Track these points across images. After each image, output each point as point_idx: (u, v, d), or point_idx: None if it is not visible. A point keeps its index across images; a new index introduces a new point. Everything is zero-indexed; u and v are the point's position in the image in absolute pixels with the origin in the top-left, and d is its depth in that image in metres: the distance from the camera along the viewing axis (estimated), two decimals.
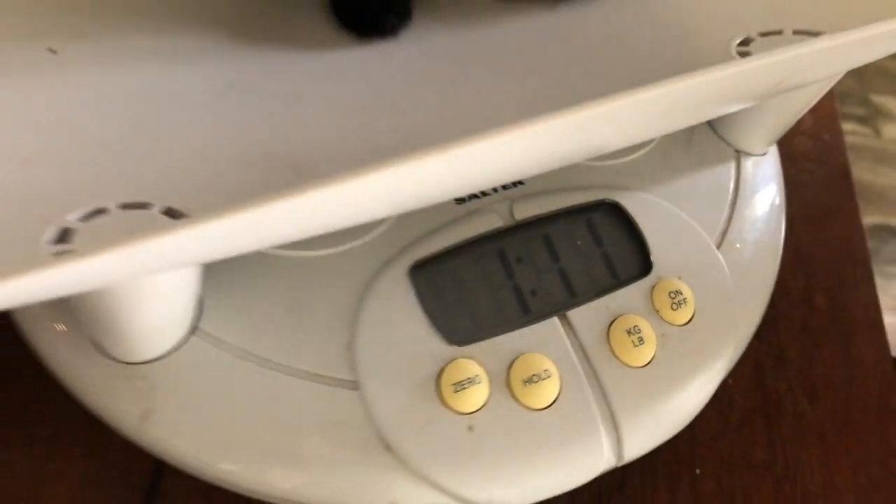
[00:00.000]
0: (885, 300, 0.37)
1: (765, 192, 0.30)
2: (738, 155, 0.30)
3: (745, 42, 0.27)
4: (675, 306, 0.26)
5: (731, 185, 0.29)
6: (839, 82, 0.30)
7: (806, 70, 0.22)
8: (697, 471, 0.29)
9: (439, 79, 0.27)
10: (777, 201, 0.30)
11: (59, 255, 0.19)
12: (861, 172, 1.44)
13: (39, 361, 0.25)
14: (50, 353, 0.24)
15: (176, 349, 0.22)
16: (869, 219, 1.38)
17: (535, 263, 0.25)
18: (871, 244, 1.11)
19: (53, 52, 0.25)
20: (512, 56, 0.28)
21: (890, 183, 1.47)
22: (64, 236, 0.20)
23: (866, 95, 1.56)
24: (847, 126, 1.52)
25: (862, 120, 1.53)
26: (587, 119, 0.17)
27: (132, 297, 0.20)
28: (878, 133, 1.51)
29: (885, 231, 1.41)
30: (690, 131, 0.31)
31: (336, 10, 0.28)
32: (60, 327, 0.24)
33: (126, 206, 0.21)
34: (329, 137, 0.24)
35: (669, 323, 0.25)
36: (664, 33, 0.28)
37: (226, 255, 0.19)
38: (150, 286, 0.20)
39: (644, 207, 0.27)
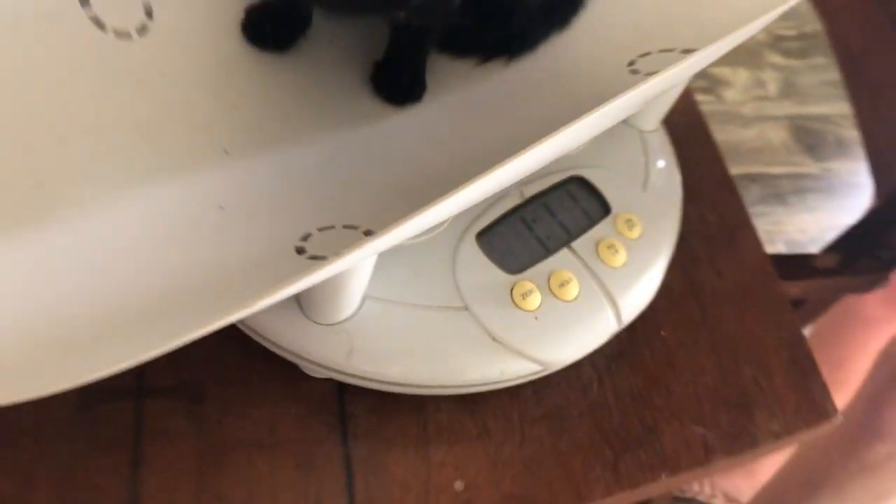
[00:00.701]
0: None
1: (662, 152, 0.47)
2: (641, 133, 0.48)
3: (632, 63, 0.44)
4: (629, 228, 0.42)
5: (642, 151, 0.47)
6: None
7: (675, 79, 0.39)
8: (662, 333, 0.46)
9: (454, 123, 0.43)
10: (671, 157, 0.48)
11: (312, 260, 0.34)
12: (714, 133, 1.69)
13: (258, 340, 0.39)
14: (272, 331, 0.38)
15: (359, 309, 0.37)
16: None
17: (544, 220, 0.42)
18: None
19: (227, 152, 0.39)
20: (491, 101, 0.44)
21: (739, 138, 1.73)
22: (301, 250, 0.34)
23: (705, 69, 1.80)
24: (696, 97, 1.77)
25: (705, 90, 1.78)
26: (561, 138, 0.32)
27: (342, 282, 0.35)
28: (720, 99, 1.77)
29: (744, 178, 1.65)
30: None
31: (379, 91, 0.43)
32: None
33: (321, 229, 0.36)
34: (412, 170, 0.40)
35: (630, 238, 0.42)
36: (582, 70, 0.45)
37: (393, 245, 0.34)
38: (352, 273, 0.35)
39: (596, 174, 0.44)
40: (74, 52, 0.39)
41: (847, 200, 1.59)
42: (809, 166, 1.70)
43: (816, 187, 1.66)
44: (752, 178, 1.66)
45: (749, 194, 1.61)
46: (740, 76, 1.85)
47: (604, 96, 0.32)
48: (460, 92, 0.44)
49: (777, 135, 1.75)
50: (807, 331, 0.88)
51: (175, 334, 0.27)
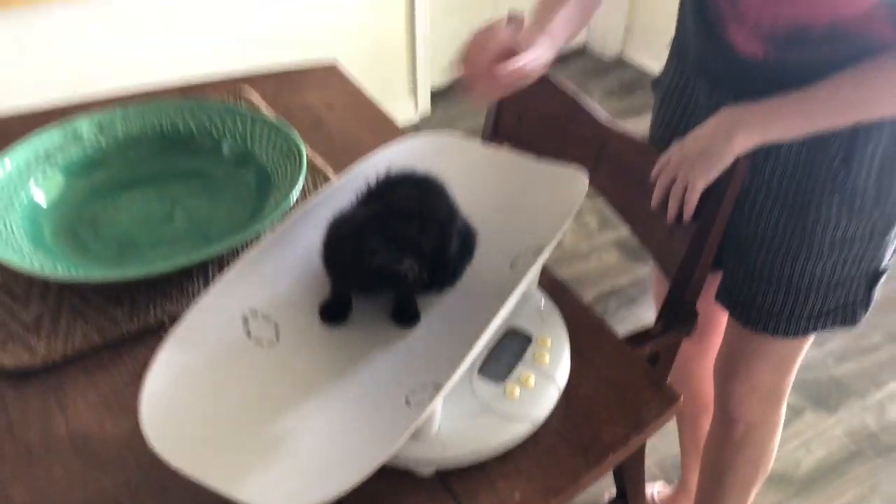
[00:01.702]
0: (621, 331, 0.97)
1: (542, 300, 0.90)
2: (530, 296, 0.90)
3: (512, 264, 0.87)
4: (545, 343, 0.83)
5: (534, 305, 0.89)
6: None
7: (537, 268, 0.82)
8: (580, 390, 0.86)
9: (440, 326, 0.84)
10: (549, 301, 0.90)
11: (416, 406, 0.72)
12: (566, 270, 2.19)
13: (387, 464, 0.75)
14: (402, 456, 0.74)
15: (440, 425, 0.75)
16: (588, 294, 2.11)
17: (504, 355, 0.82)
18: (599, 307, 1.83)
19: (341, 376, 0.77)
20: (452, 310, 0.85)
21: (586, 269, 2.22)
22: (409, 404, 0.73)
23: None
24: None
25: None
26: (499, 319, 0.73)
27: (434, 413, 0.73)
28: (560, 246, 2.28)
29: (603, 296, 2.14)
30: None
31: (398, 324, 0.83)
32: None
33: (411, 391, 0.74)
34: (433, 353, 0.80)
35: (547, 348, 0.83)
36: (490, 277, 0.87)
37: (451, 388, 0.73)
38: (436, 406, 0.73)
39: (518, 323, 0.85)
40: (254, 359, 0.77)
41: None
42: (643, 270, 2.21)
43: None
44: (608, 294, 2.14)
45: (609, 306, 2.09)
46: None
47: (508, 287, 0.74)
48: (435, 310, 0.85)
49: (610, 256, 2.27)
50: (671, 375, 1.31)
51: (367, 468, 0.64)
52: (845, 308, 1.06)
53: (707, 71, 1.03)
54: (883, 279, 1.05)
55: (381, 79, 2.78)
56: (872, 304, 1.07)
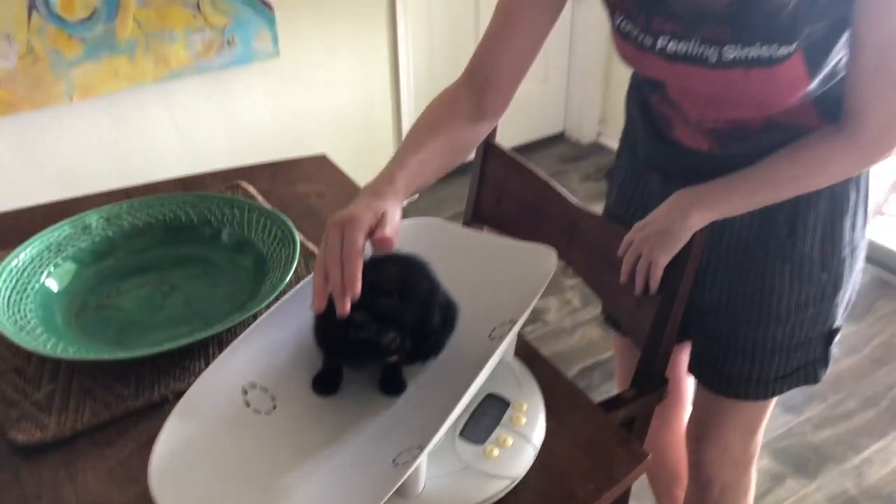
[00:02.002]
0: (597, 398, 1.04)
1: (519, 366, 0.97)
2: (507, 363, 0.97)
3: (490, 335, 0.95)
4: (521, 407, 0.90)
5: (510, 371, 0.96)
6: None
7: (512, 336, 0.90)
8: (557, 449, 0.92)
9: (423, 393, 0.91)
10: (525, 368, 0.97)
11: (402, 466, 0.79)
12: (551, 347, 2.26)
13: None
14: None
15: (425, 483, 0.81)
16: (573, 368, 2.17)
17: (484, 418, 0.89)
18: (584, 381, 1.89)
19: (332, 442, 0.84)
20: (435, 377, 0.93)
21: (570, 344, 2.29)
22: (396, 464, 0.80)
23: None
24: (527, 328, 2.36)
25: (532, 321, 2.36)
26: (478, 382, 0.81)
27: (418, 471, 0.79)
28: (545, 323, 2.35)
29: (587, 369, 2.20)
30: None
31: (385, 392, 0.90)
32: None
33: (399, 453, 0.81)
34: (418, 417, 0.86)
35: (523, 411, 0.90)
36: (470, 346, 0.95)
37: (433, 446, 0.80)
38: (420, 464, 0.79)
39: (497, 388, 0.92)
40: (253, 427, 0.84)
41: None
42: None
43: None
44: (591, 368, 2.21)
45: (592, 380, 2.15)
46: (551, 302, 2.47)
47: (487, 356, 0.82)
48: (420, 379, 0.93)
49: (593, 332, 2.35)
50: (647, 440, 1.37)
51: None
52: (807, 367, 1.14)
53: (657, 164, 1.14)
54: (838, 337, 1.13)
55: (369, 168, 2.90)
56: (831, 362, 1.14)
